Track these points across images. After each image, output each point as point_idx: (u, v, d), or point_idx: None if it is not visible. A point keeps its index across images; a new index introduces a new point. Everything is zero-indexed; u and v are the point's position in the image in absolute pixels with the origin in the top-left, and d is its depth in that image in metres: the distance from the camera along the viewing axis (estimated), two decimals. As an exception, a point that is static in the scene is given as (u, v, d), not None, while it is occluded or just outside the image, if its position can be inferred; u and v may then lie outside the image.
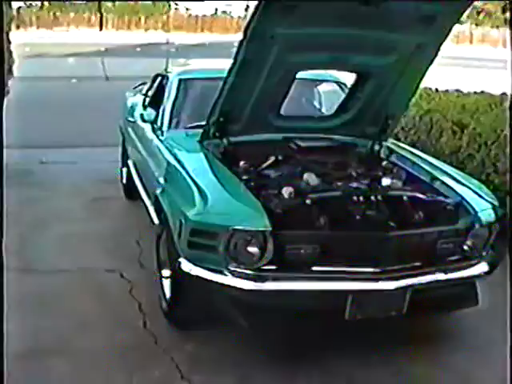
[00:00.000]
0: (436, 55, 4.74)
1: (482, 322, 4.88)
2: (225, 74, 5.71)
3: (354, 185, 4.51)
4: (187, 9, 40.02)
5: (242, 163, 4.83)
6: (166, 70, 6.13)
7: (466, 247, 4.37)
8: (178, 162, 4.88)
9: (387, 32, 4.48)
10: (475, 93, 8.34)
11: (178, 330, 4.66)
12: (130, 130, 6.89)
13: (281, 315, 4.10)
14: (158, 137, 5.61)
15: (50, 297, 5.11)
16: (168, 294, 4.74)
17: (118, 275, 5.54)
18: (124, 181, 7.74)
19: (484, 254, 4.47)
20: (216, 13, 40.83)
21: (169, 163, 4.97)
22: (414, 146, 6.96)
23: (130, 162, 7.12)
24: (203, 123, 5.27)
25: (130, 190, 7.41)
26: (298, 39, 4.38)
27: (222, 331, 4.58)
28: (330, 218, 4.04)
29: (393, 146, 5.53)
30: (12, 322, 4.53)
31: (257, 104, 4.84)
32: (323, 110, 6.66)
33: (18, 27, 34.77)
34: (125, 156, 7.70)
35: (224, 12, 41.08)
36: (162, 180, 4.91)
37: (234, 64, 4.45)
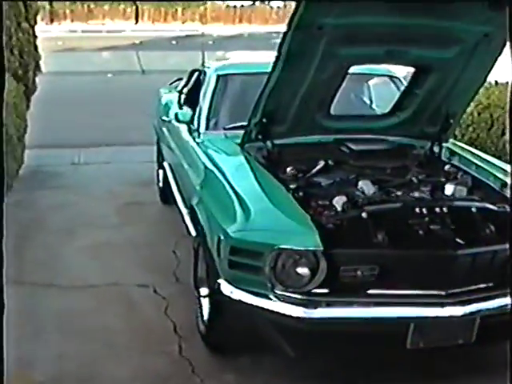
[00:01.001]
0: (504, 45, 4.17)
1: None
2: (268, 69, 5.27)
3: (416, 194, 3.98)
4: (224, -1, 39.63)
5: (288, 169, 4.34)
6: (202, 64, 5.62)
7: None
8: (217, 167, 4.41)
9: (450, 21, 3.96)
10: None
11: (217, 357, 4.18)
12: (164, 130, 6.42)
13: (333, 344, 3.61)
14: (194, 139, 5.14)
15: (74, 316, 4.66)
16: (206, 315, 4.26)
17: (151, 291, 5.08)
18: (160, 184, 7.27)
19: None
20: (254, 3, 40.27)
21: (206, 169, 4.51)
22: (472, 144, 6.40)
23: (165, 165, 6.65)
24: (244, 124, 4.79)
25: (167, 195, 6.95)
26: (349, 30, 3.88)
27: (266, 358, 4.11)
28: (390, 234, 3.52)
29: (454, 148, 5.00)
30: (32, 345, 4.15)
31: (304, 102, 4.34)
32: (374, 106, 6.15)
33: (51, 21, 34.51)
34: (160, 157, 7.24)
35: (263, 1, 40.48)
36: (198, 188, 4.44)
37: (277, 58, 3.96)
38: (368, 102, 6.26)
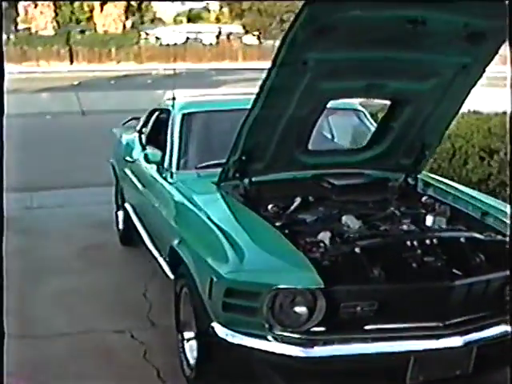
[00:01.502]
0: (480, 76, 4.23)
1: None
2: (232, 106, 5.22)
3: (404, 227, 3.98)
4: (157, 38, 39.55)
5: (270, 206, 4.28)
6: (172, 104, 5.52)
7: None
8: (196, 207, 4.32)
9: (430, 53, 3.99)
10: (496, 114, 7.87)
11: (207, 401, 4.07)
12: (127, 171, 6.30)
13: (333, 381, 3.55)
14: (165, 179, 5.03)
15: (50, 367, 4.48)
16: (192, 359, 4.15)
17: (128, 336, 4.93)
18: (120, 226, 7.12)
19: None
20: (187, 41, 40.48)
21: (186, 209, 4.43)
22: (434, 174, 6.44)
23: (127, 206, 6.53)
24: (216, 162, 4.77)
25: (128, 237, 6.84)
26: (333, 64, 3.87)
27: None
28: (386, 268, 3.49)
29: (427, 179, 5.02)
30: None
31: (282, 138, 4.30)
32: (336, 140, 6.17)
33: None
34: (119, 198, 7.11)
35: (195, 40, 40.75)
36: (178, 229, 4.34)
37: (259, 94, 3.90)
38: (329, 136, 6.28)
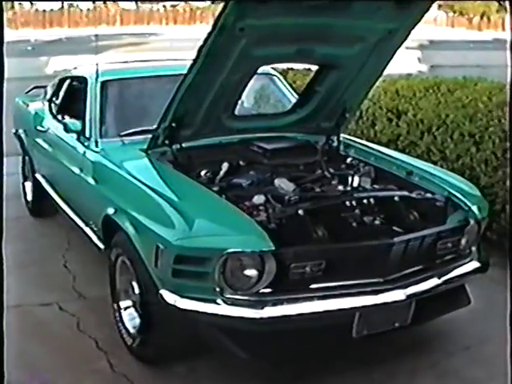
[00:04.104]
0: (404, 41, 4.36)
1: (469, 321, 4.61)
2: (147, 73, 5.19)
3: (340, 188, 4.11)
4: (32, 3, 38.12)
5: (203, 172, 4.31)
6: (96, 72, 5.38)
7: (460, 245, 4.07)
8: (131, 175, 4.27)
9: (357, 19, 4.07)
10: (401, 76, 8.08)
11: (151, 368, 4.09)
12: (39, 140, 6.13)
13: (282, 341, 3.63)
14: (89, 148, 4.94)
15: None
16: (132, 328, 4.17)
17: (56, 309, 4.86)
18: (29, 197, 6.95)
19: (474, 250, 4.21)
20: (63, 7, 39.19)
21: (119, 177, 4.36)
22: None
23: (39, 176, 6.38)
24: (137, 129, 4.82)
25: (38, 208, 6.71)
26: (267, 31, 3.88)
27: (200, 364, 4.09)
28: (329, 229, 3.60)
29: (346, 141, 5.16)
30: None
31: (212, 104, 4.32)
32: (245, 104, 6.21)
33: None
34: (27, 169, 6.92)
35: (71, 6, 39.50)
36: (113, 197, 4.30)
37: (196, 60, 3.89)
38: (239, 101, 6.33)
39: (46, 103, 6.38)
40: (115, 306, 4.37)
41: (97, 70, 5.18)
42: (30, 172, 6.80)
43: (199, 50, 3.82)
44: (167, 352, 4.07)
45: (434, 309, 4.05)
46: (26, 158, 6.92)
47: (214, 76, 4.07)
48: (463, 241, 4.07)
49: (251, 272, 3.45)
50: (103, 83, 5.28)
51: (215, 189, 4.04)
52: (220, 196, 3.89)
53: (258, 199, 3.90)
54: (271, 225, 3.58)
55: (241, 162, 4.51)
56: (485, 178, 5.59)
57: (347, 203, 3.80)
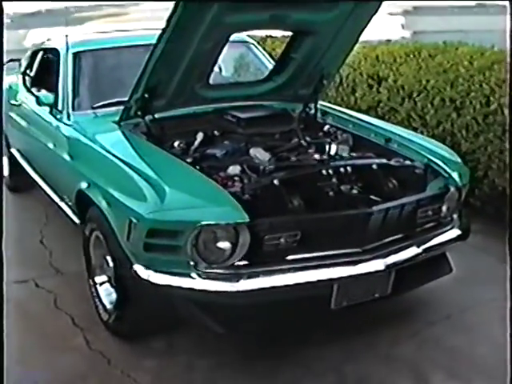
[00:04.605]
0: (379, 7, 4.25)
1: (450, 289, 4.56)
2: (121, 43, 5.07)
3: (316, 157, 4.02)
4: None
5: (176, 143, 4.21)
6: (67, 43, 5.25)
7: (441, 213, 4.00)
8: (103, 148, 4.17)
9: None
10: (380, 42, 7.95)
11: (129, 345, 4.03)
12: (13, 114, 6.00)
13: (259, 315, 3.57)
14: (61, 121, 4.83)
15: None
16: (109, 304, 4.09)
17: (32, 286, 4.79)
18: (5, 172, 6.83)
19: (455, 217, 4.14)
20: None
21: (91, 151, 4.26)
22: (320, 102, 6.51)
23: (14, 151, 6.27)
24: (112, 101, 4.69)
25: (16, 183, 6.60)
26: None
27: (179, 339, 4.03)
28: (305, 199, 3.51)
29: (323, 108, 5.06)
30: None
31: (185, 74, 4.19)
32: (224, 73, 6.10)
33: None
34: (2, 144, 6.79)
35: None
36: (86, 172, 4.20)
37: (165, 29, 3.77)
38: (217, 69, 6.21)
39: (20, 76, 6.24)
40: (91, 281, 4.30)
41: (67, 42, 5.05)
42: (5, 147, 6.68)
43: (169, 19, 3.71)
44: (143, 327, 4.02)
45: (415, 278, 3.99)
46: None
47: (185, 45, 3.96)
48: (444, 208, 4.01)
49: (225, 245, 3.37)
50: (75, 54, 5.15)
51: (188, 160, 3.94)
52: (193, 167, 3.79)
53: (233, 170, 3.82)
54: (245, 196, 3.49)
55: (215, 132, 4.41)
56: (466, 144, 5.52)
57: (324, 172, 3.69)
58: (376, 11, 4.25)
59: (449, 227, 4.08)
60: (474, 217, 5.44)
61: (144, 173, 3.68)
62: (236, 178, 3.70)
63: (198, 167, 3.82)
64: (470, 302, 4.47)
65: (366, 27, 4.40)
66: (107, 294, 4.13)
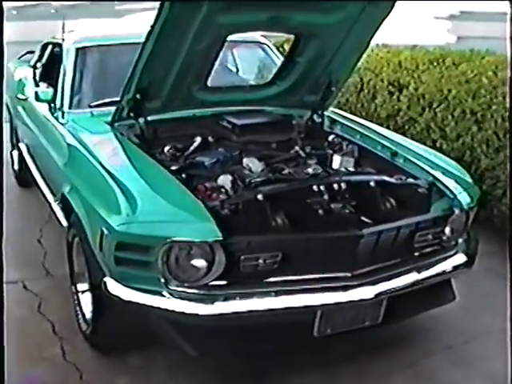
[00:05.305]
0: (391, 10, 3.97)
1: (458, 317, 4.27)
2: (129, 40, 4.88)
3: (309, 170, 3.77)
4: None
5: (166, 149, 4.00)
6: (62, 37, 5.09)
7: (444, 237, 3.70)
8: (88, 151, 3.97)
9: None
10: (406, 47, 7.63)
11: (105, 358, 3.84)
12: (20, 109, 5.86)
13: (236, 338, 3.33)
14: (57, 119, 4.66)
15: None
16: (89, 313, 3.89)
17: (20, 287, 4.63)
18: (16, 166, 6.72)
19: (460, 242, 3.84)
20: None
21: (76, 153, 4.08)
22: (341, 108, 6.22)
23: (22, 146, 6.12)
24: (111, 100, 4.43)
25: (24, 177, 6.44)
26: None
27: (158, 356, 3.81)
28: (290, 217, 3.26)
29: (334, 116, 4.81)
30: None
31: (180, 75, 3.98)
32: (241, 74, 5.89)
33: None
34: (14, 137, 6.67)
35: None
36: (69, 174, 4.01)
37: (153, 27, 3.56)
38: (234, 69, 6.00)
39: (31, 70, 6.09)
40: (73, 288, 4.11)
41: (71, 36, 4.88)
42: (15, 140, 6.56)
43: (156, 16, 3.49)
44: (119, 341, 3.82)
45: (412, 306, 3.71)
46: (13, 126, 6.66)
47: (176, 44, 3.74)
48: (447, 232, 3.70)
49: (199, 262, 3.15)
50: (78, 50, 4.98)
51: (174, 168, 3.72)
52: (177, 176, 3.56)
53: (221, 180, 3.59)
54: (224, 211, 3.25)
55: (209, 138, 4.19)
56: (486, 160, 5.20)
57: (315, 188, 3.43)
58: (389, 12, 3.97)
59: (452, 252, 3.78)
60: (491, 237, 5.16)
61: (121, 181, 3.47)
62: (219, 191, 3.46)
63: (182, 176, 3.60)
64: (475, 332, 4.19)
65: (377, 30, 4.13)
66: (88, 302, 3.93)
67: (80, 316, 4.00)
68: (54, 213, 4.63)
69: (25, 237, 5.43)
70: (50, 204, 4.83)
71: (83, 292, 4.00)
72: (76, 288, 4.07)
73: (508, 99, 4.67)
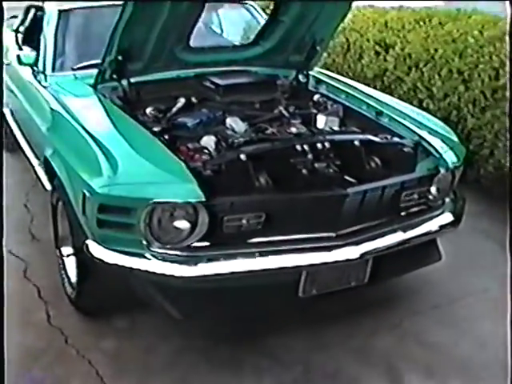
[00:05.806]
0: None
1: (444, 276, 4.27)
2: (117, 1, 4.80)
3: (293, 129, 3.72)
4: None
5: (148, 110, 3.95)
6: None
7: (430, 196, 3.68)
8: (70, 113, 3.92)
9: None
10: (393, 8, 7.53)
11: (90, 322, 3.83)
12: (4, 74, 5.77)
13: (221, 300, 3.31)
14: (40, 82, 4.59)
15: None
16: (73, 277, 3.87)
17: (5, 252, 4.58)
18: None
19: (447, 201, 3.82)
20: None
21: (57, 116, 4.03)
22: (327, 69, 6.15)
23: (6, 111, 6.05)
24: (94, 62, 4.34)
25: (9, 142, 6.38)
26: None
27: (144, 319, 3.80)
28: (274, 177, 3.22)
29: (319, 76, 4.75)
30: None
31: (162, 35, 3.91)
32: (225, 35, 5.81)
33: None
34: (-2, 103, 6.59)
35: None
36: (51, 138, 3.97)
37: None
38: (219, 30, 5.93)
39: (13, 34, 6.00)
40: (58, 252, 4.08)
41: None
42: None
43: None
44: (104, 304, 3.80)
45: (397, 266, 3.69)
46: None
47: (157, 4, 3.68)
48: (433, 191, 3.68)
49: (181, 224, 3.11)
50: (60, 12, 4.89)
51: (157, 129, 3.67)
52: (160, 138, 3.52)
53: (204, 141, 3.55)
54: (207, 171, 3.21)
55: (193, 99, 4.13)
56: (472, 120, 5.17)
57: (298, 147, 3.38)
58: None
59: (439, 212, 3.76)
60: (479, 197, 5.15)
61: (103, 144, 3.42)
62: (202, 151, 3.43)
63: (165, 137, 3.56)
64: (461, 292, 4.18)
65: None
66: (73, 266, 3.90)
67: (65, 280, 3.98)
68: (39, 177, 4.58)
69: (11, 201, 5.36)
70: (34, 168, 4.78)
71: (68, 256, 3.97)
72: (61, 252, 4.05)
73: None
